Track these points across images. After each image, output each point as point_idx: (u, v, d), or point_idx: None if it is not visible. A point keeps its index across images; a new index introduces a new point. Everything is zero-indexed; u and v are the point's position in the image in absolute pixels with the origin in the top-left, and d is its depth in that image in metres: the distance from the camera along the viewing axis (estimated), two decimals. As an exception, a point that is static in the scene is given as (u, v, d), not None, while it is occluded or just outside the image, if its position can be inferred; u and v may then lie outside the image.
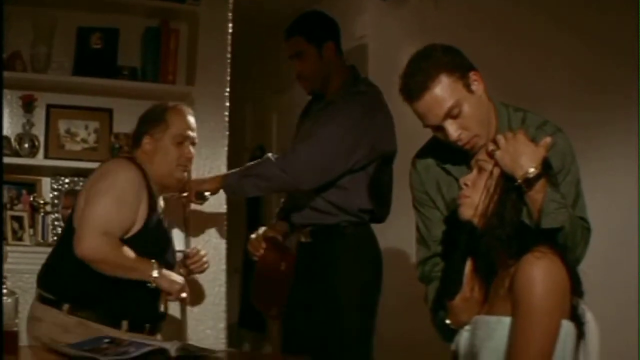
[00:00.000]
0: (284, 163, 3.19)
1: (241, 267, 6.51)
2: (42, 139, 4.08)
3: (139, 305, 3.00)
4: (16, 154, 3.96)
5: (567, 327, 2.05)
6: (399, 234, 4.25)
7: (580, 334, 2.09)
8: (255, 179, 3.25)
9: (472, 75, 2.40)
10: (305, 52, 3.44)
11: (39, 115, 4.10)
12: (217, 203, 3.86)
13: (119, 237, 2.97)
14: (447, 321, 2.32)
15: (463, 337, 2.21)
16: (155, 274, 2.98)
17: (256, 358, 2.78)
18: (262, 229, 3.47)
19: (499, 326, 2.06)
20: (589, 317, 2.15)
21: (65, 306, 2.94)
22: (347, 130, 3.21)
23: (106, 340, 2.65)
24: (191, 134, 3.25)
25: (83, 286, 2.95)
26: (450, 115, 2.37)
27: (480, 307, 2.22)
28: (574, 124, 3.08)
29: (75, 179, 4.01)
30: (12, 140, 4.01)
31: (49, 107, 4.15)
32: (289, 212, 3.46)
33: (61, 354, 2.50)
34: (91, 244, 2.87)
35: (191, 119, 3.28)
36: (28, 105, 4.03)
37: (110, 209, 2.96)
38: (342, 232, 3.33)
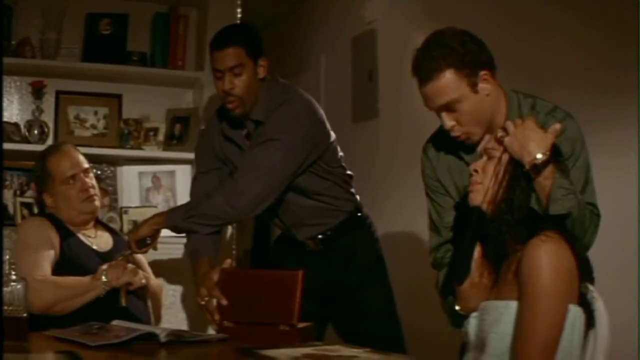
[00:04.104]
0: (231, 199, 3.03)
1: (251, 249, 6.54)
2: (51, 125, 4.10)
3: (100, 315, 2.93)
4: (26, 140, 3.97)
5: (575, 312, 2.04)
6: (409, 218, 4.26)
7: (590, 321, 2.09)
8: (202, 219, 3.08)
9: (483, 75, 2.40)
10: (245, 66, 3.07)
11: (49, 102, 4.12)
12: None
13: (50, 268, 3.09)
14: (457, 307, 2.32)
15: (471, 324, 2.20)
16: (103, 278, 3.02)
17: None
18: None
19: (506, 310, 2.06)
20: (599, 305, 2.14)
21: None
22: (288, 154, 3.05)
23: (96, 326, 2.67)
24: (77, 168, 3.32)
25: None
26: (447, 108, 2.41)
27: (489, 293, 2.22)
28: (587, 106, 3.06)
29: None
30: (22, 126, 4.02)
31: (58, 93, 4.17)
32: (287, 233, 3.34)
33: (70, 341, 2.50)
34: (36, 295, 2.84)
35: (72, 153, 3.35)
36: (37, 92, 4.05)
37: (27, 256, 3.03)
38: (359, 219, 3.32)
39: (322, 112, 3.21)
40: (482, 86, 2.40)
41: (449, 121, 2.43)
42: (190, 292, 3.86)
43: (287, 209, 3.22)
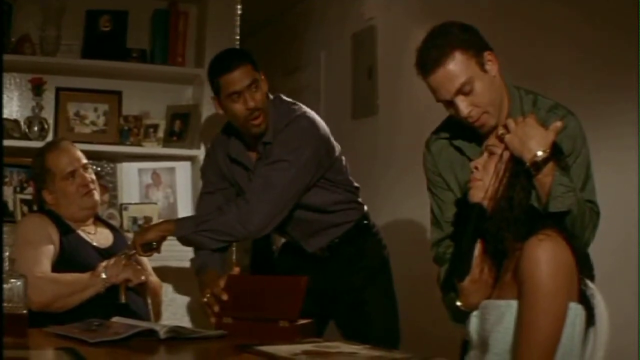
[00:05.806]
0: (243, 218, 3.04)
1: (250, 248, 6.54)
2: (51, 122, 4.10)
3: (100, 311, 2.93)
4: (25, 137, 3.97)
5: (575, 310, 2.04)
6: (409, 214, 4.26)
7: (590, 319, 2.08)
8: (213, 233, 3.09)
9: (487, 55, 2.40)
10: (258, 80, 3.07)
11: (49, 98, 4.11)
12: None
13: (50, 264, 3.09)
14: (458, 303, 2.32)
15: (473, 323, 2.20)
16: (102, 275, 3.02)
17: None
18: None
19: (508, 310, 2.06)
20: (599, 302, 2.14)
21: None
22: (297, 173, 3.07)
23: (96, 323, 2.68)
24: (76, 164, 3.30)
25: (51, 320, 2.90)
26: (462, 91, 2.37)
27: (491, 290, 2.22)
28: (587, 103, 3.07)
29: (85, 161, 4.02)
30: (22, 123, 4.02)
31: (58, 90, 4.17)
32: (295, 245, 3.34)
33: (70, 337, 2.50)
34: (36, 291, 2.83)
35: (70, 149, 3.34)
36: (37, 89, 4.04)
37: (26, 253, 3.03)
38: (365, 226, 3.33)
39: (326, 128, 3.22)
40: (489, 67, 2.40)
41: (465, 106, 2.38)
42: (190, 290, 3.88)
43: (295, 225, 3.23)
